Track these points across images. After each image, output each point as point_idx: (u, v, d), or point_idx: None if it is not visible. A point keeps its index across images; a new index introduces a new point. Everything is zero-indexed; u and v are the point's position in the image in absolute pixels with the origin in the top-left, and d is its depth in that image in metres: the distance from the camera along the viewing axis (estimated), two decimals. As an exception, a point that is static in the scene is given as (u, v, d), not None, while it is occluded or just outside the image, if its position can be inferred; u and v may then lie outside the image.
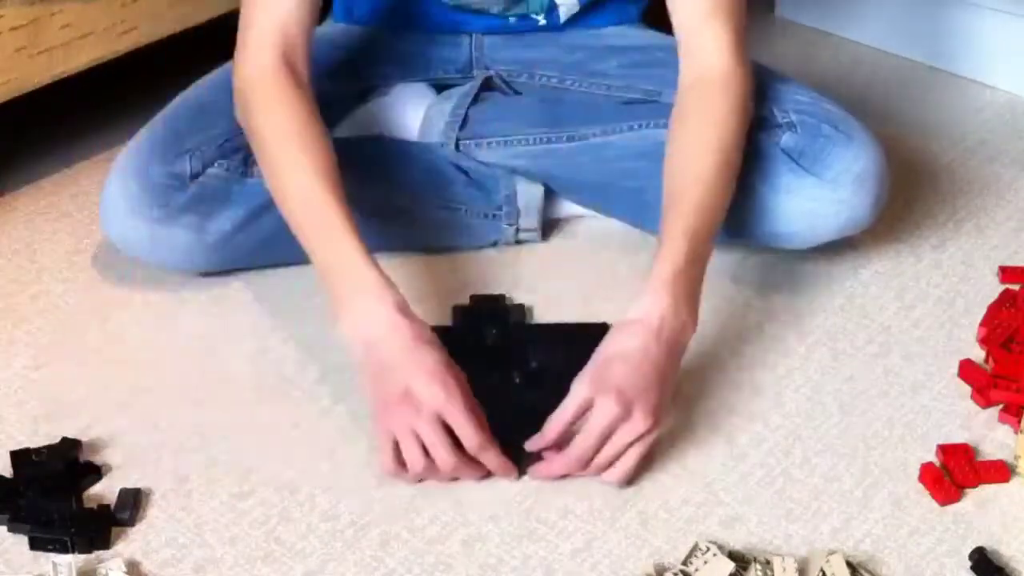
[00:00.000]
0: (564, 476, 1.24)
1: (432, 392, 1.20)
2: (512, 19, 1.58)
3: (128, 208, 1.42)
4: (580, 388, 1.23)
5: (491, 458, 1.23)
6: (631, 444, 1.21)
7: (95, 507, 1.21)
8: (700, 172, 1.33)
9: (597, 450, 1.22)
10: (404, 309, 1.25)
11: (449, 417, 1.20)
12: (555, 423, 1.23)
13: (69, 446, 1.26)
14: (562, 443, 1.24)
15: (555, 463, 1.24)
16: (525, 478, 1.26)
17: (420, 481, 1.24)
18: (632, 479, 1.24)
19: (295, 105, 1.35)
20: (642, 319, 1.25)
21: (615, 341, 1.25)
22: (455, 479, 1.24)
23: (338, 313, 1.26)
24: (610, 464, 1.22)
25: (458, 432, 1.21)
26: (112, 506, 1.21)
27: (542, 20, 1.58)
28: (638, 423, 1.20)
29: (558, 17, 1.58)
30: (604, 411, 1.20)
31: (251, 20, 1.39)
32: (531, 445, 1.25)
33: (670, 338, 1.25)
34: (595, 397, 1.21)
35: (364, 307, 1.25)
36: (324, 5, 1.64)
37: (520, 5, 1.56)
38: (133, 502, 1.21)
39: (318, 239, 1.30)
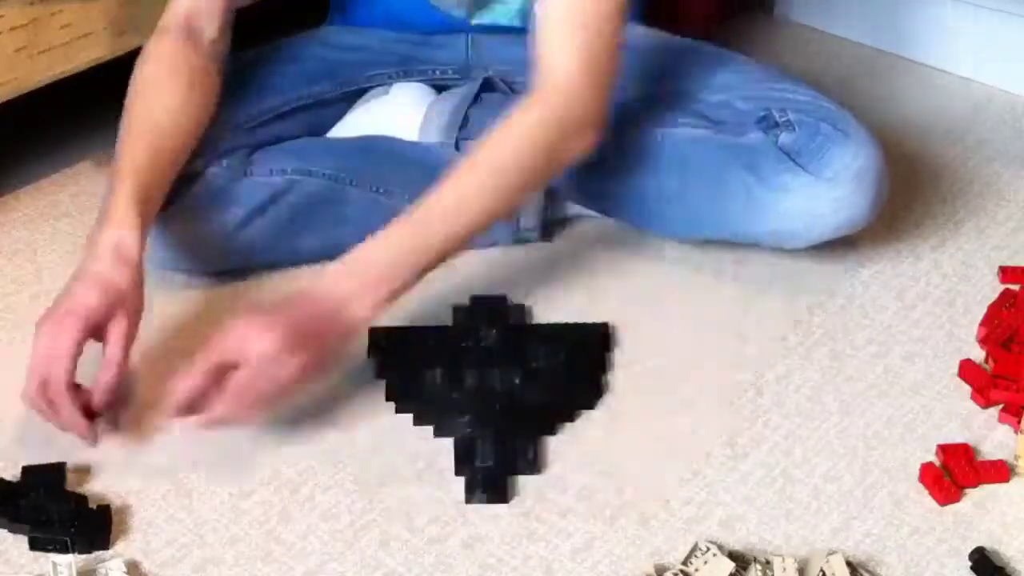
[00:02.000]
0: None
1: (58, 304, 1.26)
2: (476, 22, 1.57)
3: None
4: (236, 329, 1.24)
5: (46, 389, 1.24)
6: (281, 390, 1.23)
7: (95, 507, 1.21)
8: (468, 184, 1.31)
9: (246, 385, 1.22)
10: (113, 253, 1.29)
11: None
12: (202, 361, 1.24)
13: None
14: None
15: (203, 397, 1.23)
16: (522, 479, 1.26)
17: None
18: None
19: (170, 64, 1.42)
20: (317, 287, 1.27)
21: (288, 300, 1.27)
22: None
23: None
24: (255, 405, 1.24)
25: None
26: (111, 506, 1.22)
27: (518, 24, 1.58)
28: (293, 365, 1.21)
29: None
30: (264, 342, 1.21)
31: None
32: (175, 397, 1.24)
33: (334, 315, 1.25)
34: (256, 334, 1.22)
35: (92, 244, 1.30)
36: (323, 6, 1.65)
37: (486, 13, 1.56)
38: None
39: (111, 180, 1.35)
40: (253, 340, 1.22)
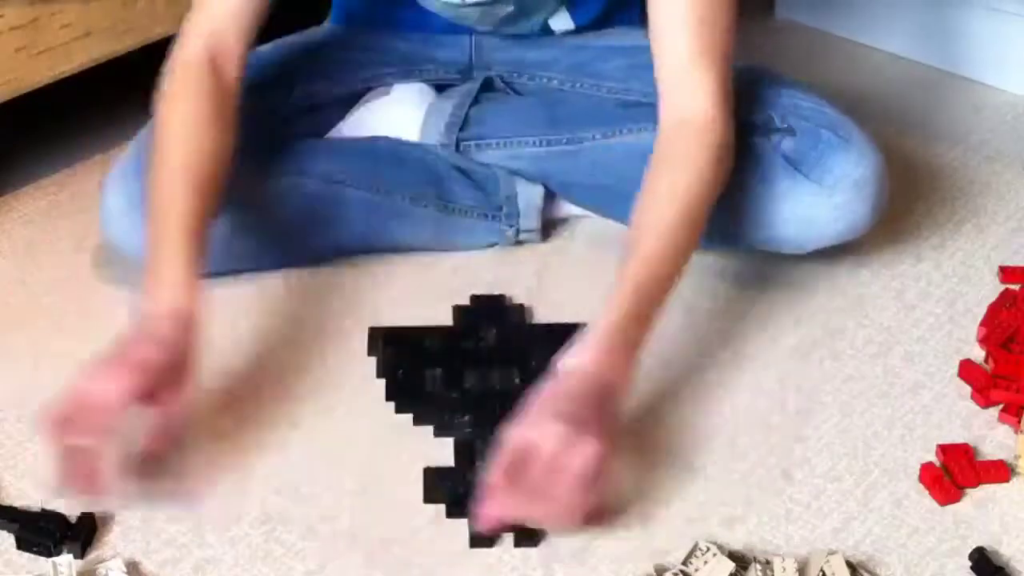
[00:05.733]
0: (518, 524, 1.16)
1: (97, 384, 1.15)
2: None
3: (128, 209, 1.42)
4: (516, 430, 1.14)
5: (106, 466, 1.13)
6: (586, 475, 1.12)
7: (79, 516, 1.20)
8: (660, 223, 1.27)
9: (549, 481, 1.13)
10: (171, 314, 1.21)
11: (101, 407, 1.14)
12: (495, 468, 1.14)
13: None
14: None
15: (508, 501, 1.13)
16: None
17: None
18: (601, 521, 1.18)
19: (198, 104, 1.34)
20: (573, 371, 1.18)
21: (548, 387, 1.18)
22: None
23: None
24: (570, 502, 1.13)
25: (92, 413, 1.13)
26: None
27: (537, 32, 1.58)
28: (588, 444, 1.11)
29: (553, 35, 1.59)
30: (549, 434, 1.12)
31: (193, 11, 1.39)
32: (482, 510, 1.15)
33: (601, 391, 1.18)
34: (537, 428, 1.13)
35: (147, 302, 1.23)
36: (323, 6, 1.65)
37: (510, 27, 1.56)
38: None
39: (155, 233, 1.27)
40: (541, 434, 1.13)
